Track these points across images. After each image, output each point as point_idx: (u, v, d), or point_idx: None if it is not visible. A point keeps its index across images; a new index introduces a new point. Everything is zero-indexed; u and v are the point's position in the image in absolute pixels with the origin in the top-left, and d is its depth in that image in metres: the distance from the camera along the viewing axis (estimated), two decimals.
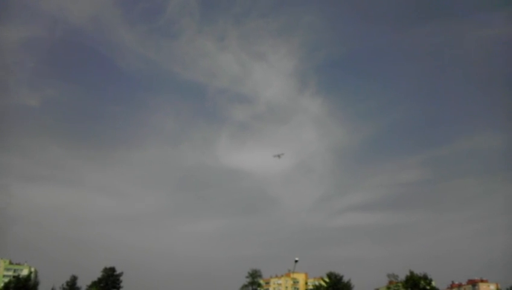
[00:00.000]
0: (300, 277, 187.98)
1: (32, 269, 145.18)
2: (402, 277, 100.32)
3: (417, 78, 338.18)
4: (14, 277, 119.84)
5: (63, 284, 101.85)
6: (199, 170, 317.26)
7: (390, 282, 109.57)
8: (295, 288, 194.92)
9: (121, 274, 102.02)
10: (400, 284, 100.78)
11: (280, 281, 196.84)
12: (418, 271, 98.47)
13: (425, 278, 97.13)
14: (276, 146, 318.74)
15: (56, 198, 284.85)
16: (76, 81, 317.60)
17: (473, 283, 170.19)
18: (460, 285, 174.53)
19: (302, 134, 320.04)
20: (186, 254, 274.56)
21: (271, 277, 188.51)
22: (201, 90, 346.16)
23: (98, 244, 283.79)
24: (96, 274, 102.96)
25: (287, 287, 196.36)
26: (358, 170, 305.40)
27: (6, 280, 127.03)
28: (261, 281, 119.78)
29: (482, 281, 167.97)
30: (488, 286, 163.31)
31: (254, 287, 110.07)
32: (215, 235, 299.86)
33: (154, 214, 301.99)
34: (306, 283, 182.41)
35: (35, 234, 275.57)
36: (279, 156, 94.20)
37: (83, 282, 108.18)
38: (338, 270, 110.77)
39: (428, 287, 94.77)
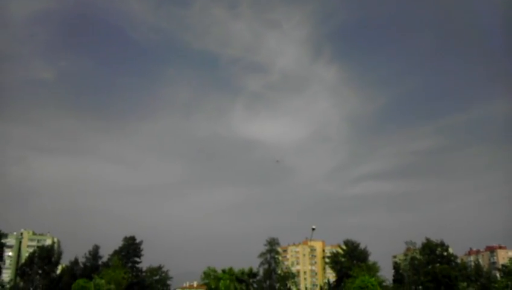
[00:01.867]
0: (318, 245, 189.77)
1: (55, 239, 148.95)
2: (419, 244, 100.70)
3: (432, 46, 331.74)
4: (37, 247, 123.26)
5: (85, 254, 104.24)
6: (213, 140, 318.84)
7: (408, 249, 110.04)
8: (312, 256, 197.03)
9: (141, 243, 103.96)
10: (417, 251, 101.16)
11: (298, 249, 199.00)
12: (435, 238, 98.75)
13: (442, 244, 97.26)
14: (291, 115, 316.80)
15: (73, 169, 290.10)
16: (89, 53, 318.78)
17: (491, 250, 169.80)
18: (478, 251, 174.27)
19: (317, 103, 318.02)
20: (202, 223, 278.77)
21: (288, 245, 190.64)
22: (213, 60, 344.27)
23: (117, 214, 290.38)
24: (117, 243, 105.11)
25: (304, 254, 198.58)
26: (373, 138, 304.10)
27: (30, 250, 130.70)
28: (279, 249, 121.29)
29: (500, 247, 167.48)
30: (507, 252, 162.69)
31: (272, 255, 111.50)
32: (230, 205, 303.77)
33: (169, 184, 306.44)
34: (323, 251, 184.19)
35: (55, 205, 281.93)
36: (278, 161, 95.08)
37: (105, 251, 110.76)
38: (355, 238, 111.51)
39: (445, 254, 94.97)
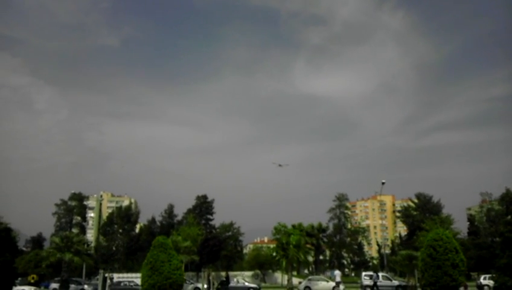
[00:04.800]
0: (387, 199, 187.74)
1: (132, 200, 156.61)
2: (496, 195, 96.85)
3: None
4: (116, 207, 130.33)
5: (161, 213, 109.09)
6: (277, 98, 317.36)
7: (483, 201, 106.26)
8: (382, 210, 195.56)
9: (212, 201, 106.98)
10: (493, 202, 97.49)
11: (367, 204, 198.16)
12: None
13: None
14: (355, 68, 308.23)
15: (143, 133, 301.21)
16: (151, 17, 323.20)
17: None
18: None
19: (383, 53, 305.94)
20: (270, 181, 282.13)
21: (357, 200, 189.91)
22: (272, 16, 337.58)
23: (187, 174, 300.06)
24: (190, 202, 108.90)
25: (373, 209, 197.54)
26: (444, 87, 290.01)
27: (110, 211, 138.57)
28: (348, 205, 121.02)
29: None
30: None
31: (341, 210, 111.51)
32: (297, 162, 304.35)
33: (235, 144, 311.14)
34: (393, 205, 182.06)
35: (129, 167, 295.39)
36: (280, 165, 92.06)
37: (179, 210, 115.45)
38: (427, 191, 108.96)
39: None
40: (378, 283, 50.35)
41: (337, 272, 47.74)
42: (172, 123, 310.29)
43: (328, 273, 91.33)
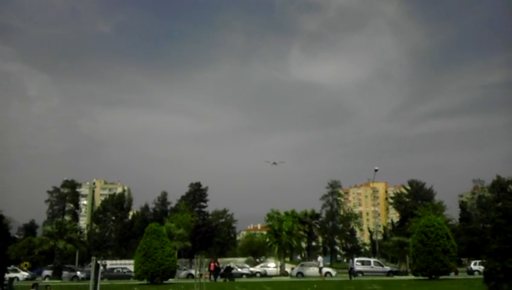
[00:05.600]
0: (380, 186, 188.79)
1: (126, 188, 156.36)
2: (488, 182, 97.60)
3: None
4: (109, 195, 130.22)
5: (154, 200, 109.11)
6: (271, 86, 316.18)
7: (475, 187, 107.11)
8: (375, 197, 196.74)
9: (206, 189, 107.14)
10: (485, 189, 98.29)
11: (360, 191, 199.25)
12: (506, 175, 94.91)
13: None
14: (350, 55, 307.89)
15: (137, 121, 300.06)
16: (145, 3, 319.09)
17: None
18: None
19: (378, 40, 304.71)
20: (263, 168, 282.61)
21: (350, 187, 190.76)
22: (268, 2, 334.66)
23: (181, 162, 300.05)
24: (184, 190, 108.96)
25: (366, 196, 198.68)
26: (439, 74, 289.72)
27: (103, 198, 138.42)
28: (341, 191, 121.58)
29: None
30: None
31: (334, 197, 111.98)
32: (291, 150, 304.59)
33: (230, 131, 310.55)
34: (386, 192, 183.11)
35: (123, 155, 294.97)
36: (275, 163, 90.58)
37: (173, 197, 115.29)
38: (419, 178, 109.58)
39: None
40: (370, 269, 50.86)
41: (320, 259, 48.54)
42: (166, 111, 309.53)
43: (320, 258, 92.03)
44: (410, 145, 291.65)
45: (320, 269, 45.81)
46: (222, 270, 47.16)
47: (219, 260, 62.76)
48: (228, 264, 57.72)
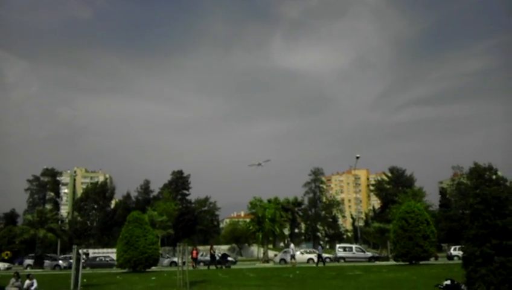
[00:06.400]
0: (362, 173, 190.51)
1: (107, 176, 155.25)
2: (467, 169, 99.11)
3: None
4: (91, 183, 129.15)
5: (137, 188, 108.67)
6: (253, 73, 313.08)
7: (455, 174, 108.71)
8: (356, 184, 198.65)
9: (188, 176, 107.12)
10: (464, 176, 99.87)
11: (342, 178, 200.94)
12: (483, 163, 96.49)
13: (490, 168, 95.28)
14: (332, 42, 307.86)
15: (117, 108, 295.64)
16: None
17: None
18: None
19: (360, 27, 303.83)
20: (245, 156, 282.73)
21: (332, 175, 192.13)
22: None
23: (164, 150, 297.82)
24: (166, 178, 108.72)
25: (348, 183, 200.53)
26: (420, 62, 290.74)
27: (84, 186, 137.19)
28: (323, 179, 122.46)
29: None
30: None
31: (317, 184, 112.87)
32: (273, 137, 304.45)
33: (212, 119, 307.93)
34: (367, 179, 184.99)
35: (103, 143, 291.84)
36: (260, 164, 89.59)
37: (155, 185, 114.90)
38: (400, 165, 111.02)
39: (494, 177, 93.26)
40: (352, 255, 51.56)
41: (292, 246, 48.92)
42: (147, 98, 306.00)
43: (304, 245, 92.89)
44: (392, 133, 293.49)
45: (292, 256, 46.11)
46: (218, 257, 47.07)
47: (201, 247, 63.10)
48: (225, 252, 58.19)
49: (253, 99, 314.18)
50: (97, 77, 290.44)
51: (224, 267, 43.71)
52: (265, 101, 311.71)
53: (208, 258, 49.17)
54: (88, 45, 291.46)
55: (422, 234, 37.21)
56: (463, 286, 17.11)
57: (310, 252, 53.58)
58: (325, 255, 49.73)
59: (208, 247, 54.85)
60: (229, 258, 49.32)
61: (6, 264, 57.10)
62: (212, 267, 44.07)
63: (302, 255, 51.32)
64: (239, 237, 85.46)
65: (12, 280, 22.66)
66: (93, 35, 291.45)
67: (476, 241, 15.80)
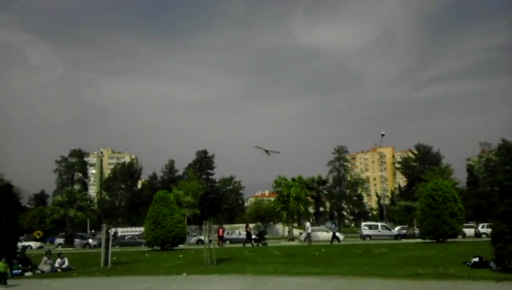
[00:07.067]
0: (387, 151, 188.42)
1: (133, 156, 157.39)
2: (495, 145, 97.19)
3: None
4: (117, 164, 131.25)
5: (162, 168, 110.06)
6: (274, 51, 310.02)
7: (482, 151, 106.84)
8: (382, 162, 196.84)
9: (213, 156, 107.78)
10: (492, 153, 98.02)
11: (366, 156, 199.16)
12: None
13: None
14: (354, 18, 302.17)
15: (139, 88, 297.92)
16: None
17: None
18: None
19: (382, 2, 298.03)
20: (268, 135, 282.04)
21: (357, 153, 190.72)
22: None
23: (187, 130, 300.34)
24: (191, 157, 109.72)
25: (373, 161, 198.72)
26: (445, 36, 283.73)
27: (111, 167, 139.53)
28: (347, 157, 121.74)
29: None
30: None
31: (341, 162, 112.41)
32: (295, 116, 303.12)
33: (234, 98, 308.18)
34: (393, 157, 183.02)
35: (127, 124, 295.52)
36: (267, 152, 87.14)
37: (180, 165, 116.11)
38: (426, 142, 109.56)
39: None
40: (378, 233, 51.27)
41: (308, 224, 48.60)
42: (168, 79, 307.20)
43: (328, 224, 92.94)
44: (417, 110, 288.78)
45: (308, 234, 45.75)
46: (254, 235, 47.08)
47: (226, 226, 63.75)
48: (261, 229, 58.43)
49: (274, 77, 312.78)
50: (119, 58, 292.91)
51: (261, 245, 43.70)
52: (286, 79, 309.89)
53: (233, 236, 49.39)
54: (103, 26, 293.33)
55: (450, 211, 36.78)
56: (492, 263, 16.93)
57: (321, 230, 53.09)
58: (338, 234, 49.44)
59: (234, 225, 55.44)
60: None
61: (38, 244, 58.76)
62: (248, 245, 43.84)
63: (327, 233, 51.22)
64: (264, 216, 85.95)
65: (45, 258, 23.37)
66: (109, 16, 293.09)
67: (506, 218, 15.55)
